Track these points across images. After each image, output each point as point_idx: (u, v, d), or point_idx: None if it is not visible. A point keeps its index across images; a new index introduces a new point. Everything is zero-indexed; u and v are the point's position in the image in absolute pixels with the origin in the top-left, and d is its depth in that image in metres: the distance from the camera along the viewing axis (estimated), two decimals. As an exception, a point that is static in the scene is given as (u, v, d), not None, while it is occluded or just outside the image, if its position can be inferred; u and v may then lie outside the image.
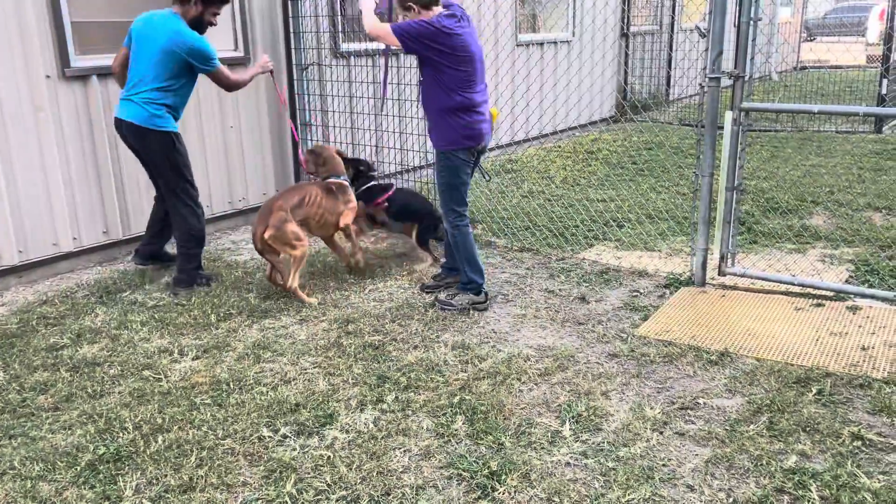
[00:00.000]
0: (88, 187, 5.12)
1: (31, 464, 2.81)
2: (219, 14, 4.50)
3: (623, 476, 2.70)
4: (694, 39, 12.84)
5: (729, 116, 4.35)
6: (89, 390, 3.39)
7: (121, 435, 2.99)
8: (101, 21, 5.18)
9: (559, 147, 9.33)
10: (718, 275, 4.62)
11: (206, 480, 2.69)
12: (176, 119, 4.50)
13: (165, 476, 2.72)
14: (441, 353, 3.75)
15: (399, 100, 6.89)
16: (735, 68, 4.26)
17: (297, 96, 6.37)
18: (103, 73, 5.03)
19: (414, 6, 3.97)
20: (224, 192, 6.08)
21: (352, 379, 3.49)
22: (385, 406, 3.24)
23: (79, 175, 5.05)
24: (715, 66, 4.27)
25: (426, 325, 4.10)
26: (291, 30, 6.24)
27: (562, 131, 10.01)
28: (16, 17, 4.60)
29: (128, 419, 3.11)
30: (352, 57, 6.76)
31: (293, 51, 6.28)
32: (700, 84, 4.46)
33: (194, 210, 4.63)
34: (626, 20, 11.16)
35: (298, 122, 6.43)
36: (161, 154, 4.46)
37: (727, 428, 3.01)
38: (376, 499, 2.60)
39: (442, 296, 4.41)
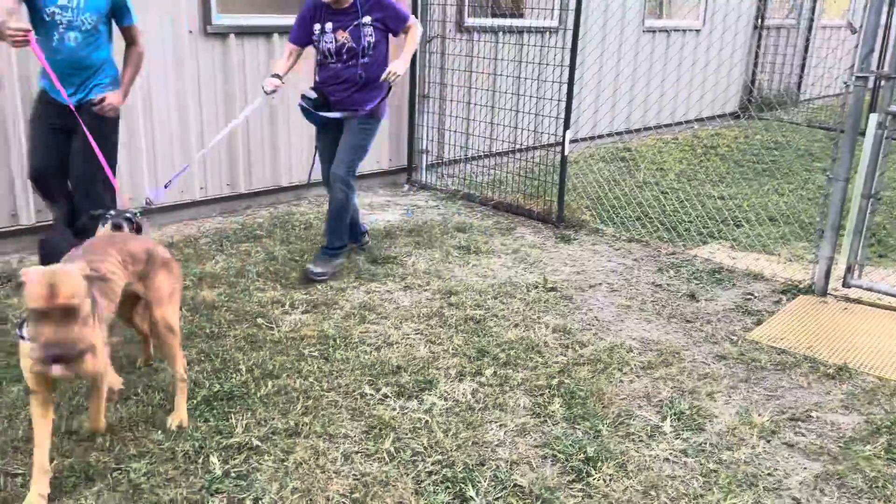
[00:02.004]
0: (218, 142, 5.37)
1: (152, 392, 3.02)
2: None
3: (725, 479, 2.62)
4: (836, 37, 12.05)
5: (874, 120, 4.07)
6: (207, 331, 3.59)
7: (234, 376, 3.16)
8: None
9: (676, 139, 9.03)
10: (842, 286, 4.36)
11: (310, 428, 2.81)
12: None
13: (273, 419, 2.86)
14: (541, 334, 3.74)
15: (519, 77, 6.86)
16: (884, 68, 3.98)
17: (418, 68, 6.43)
18: (240, 31, 5.25)
19: None
20: (340, 157, 6.24)
21: (452, 349, 3.54)
22: (483, 379, 3.27)
23: (210, 129, 5.31)
24: (864, 64, 4.00)
25: (527, 305, 4.09)
26: (420, 1, 6.29)
27: (680, 123, 9.67)
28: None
29: (241, 362, 3.28)
30: (475, 32, 6.76)
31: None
32: (845, 83, 4.19)
33: None
34: (761, 13, 10.60)
35: (418, 93, 6.50)
36: None
37: (841, 445, 2.85)
38: (471, 467, 2.63)
39: (314, 269, 4.26)
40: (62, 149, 3.74)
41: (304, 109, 4.28)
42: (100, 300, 2.34)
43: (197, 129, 5.25)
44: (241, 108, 5.39)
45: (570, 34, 5.38)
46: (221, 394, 3.02)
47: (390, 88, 4.33)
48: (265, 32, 5.43)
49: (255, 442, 2.70)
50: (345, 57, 4.14)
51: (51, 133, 3.73)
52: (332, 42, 4.12)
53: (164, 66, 4.98)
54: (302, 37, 4.21)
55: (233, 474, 2.52)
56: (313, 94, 4.24)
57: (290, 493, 2.44)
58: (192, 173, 5.28)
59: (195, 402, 2.94)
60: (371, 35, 4.14)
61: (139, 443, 2.67)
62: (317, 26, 4.13)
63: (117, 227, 3.12)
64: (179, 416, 2.77)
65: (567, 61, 5.44)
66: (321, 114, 4.24)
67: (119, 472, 2.50)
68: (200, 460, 2.57)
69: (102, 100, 3.70)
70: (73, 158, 3.73)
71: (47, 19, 3.53)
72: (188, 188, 5.30)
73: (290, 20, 4.57)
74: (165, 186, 4.05)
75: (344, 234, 4.44)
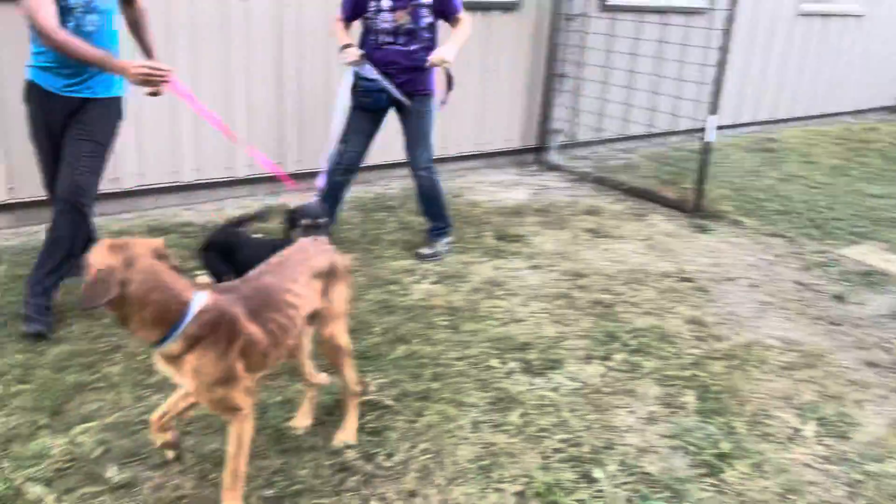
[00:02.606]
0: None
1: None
2: None
3: (871, 492, 2.46)
4: None
5: None
6: (343, 293, 3.74)
7: (368, 337, 3.28)
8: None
9: (826, 131, 8.43)
10: None
11: (439, 394, 2.87)
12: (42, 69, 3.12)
13: (404, 381, 2.94)
14: (674, 324, 3.63)
15: (658, 59, 6.61)
16: None
17: (557, 46, 6.34)
18: None
19: None
20: (471, 135, 6.28)
21: (580, 331, 3.50)
22: (612, 364, 3.21)
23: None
24: None
25: (660, 294, 3.98)
26: (565, -22, 6.19)
27: (832, 115, 9.02)
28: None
29: (375, 324, 3.39)
30: (617, 12, 6.57)
31: (562, 0, 6.23)
32: None
33: None
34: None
35: (553, 72, 6.41)
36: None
37: None
38: (598, 449, 2.61)
39: (425, 251, 4.25)
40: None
41: (361, 88, 4.02)
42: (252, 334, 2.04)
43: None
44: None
45: (719, 15, 5.12)
46: (356, 353, 3.12)
47: (451, 78, 4.10)
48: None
49: (388, 402, 2.80)
50: (402, 39, 3.93)
51: (54, 140, 3.19)
52: (389, 22, 3.88)
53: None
54: (354, 11, 3.96)
55: (367, 429, 2.62)
56: (373, 74, 3.96)
57: (420, 454, 2.51)
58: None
59: (332, 358, 3.07)
60: (428, 16, 3.95)
61: (281, 390, 2.83)
62: (372, 4, 3.88)
63: (310, 230, 3.11)
64: (347, 433, 2.54)
65: (717, 43, 5.19)
66: (394, 93, 3.99)
67: (261, 419, 2.65)
68: (337, 413, 2.69)
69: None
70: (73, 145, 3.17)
71: (62, 3, 2.94)
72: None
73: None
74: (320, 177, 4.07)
75: (443, 211, 4.36)
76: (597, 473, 2.47)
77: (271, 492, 2.29)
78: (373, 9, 3.90)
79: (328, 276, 2.35)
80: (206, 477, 2.34)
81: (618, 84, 6.53)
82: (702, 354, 3.33)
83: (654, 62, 6.62)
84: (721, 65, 5.11)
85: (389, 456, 2.50)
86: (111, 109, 3.27)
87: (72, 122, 3.17)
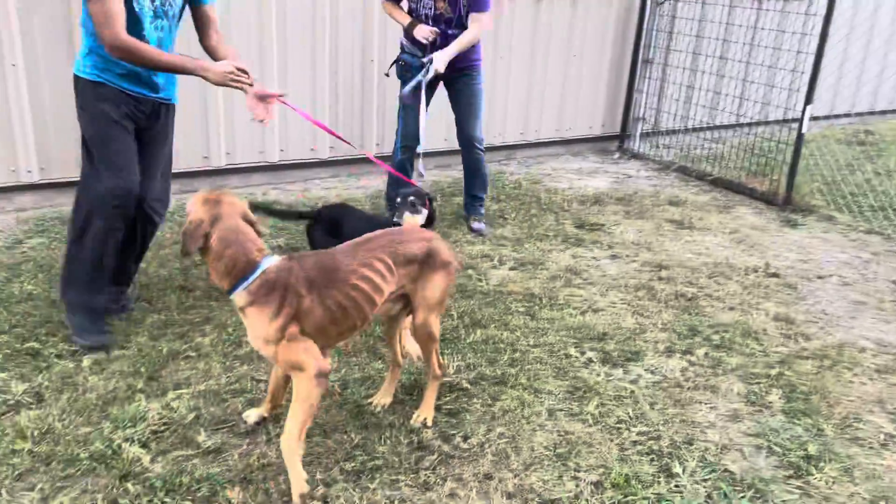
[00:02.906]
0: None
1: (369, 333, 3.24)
2: None
3: (973, 507, 2.33)
4: None
5: None
6: (422, 275, 3.78)
7: (446, 320, 3.31)
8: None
9: (932, 125, 7.95)
10: None
11: (516, 379, 2.87)
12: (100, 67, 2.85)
13: (481, 365, 2.96)
14: (760, 320, 3.51)
15: (749, 44, 6.36)
16: None
17: (644, 31, 6.18)
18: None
19: None
20: (553, 121, 6.21)
21: (661, 323, 3.43)
22: (694, 359, 3.14)
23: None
24: None
25: (745, 289, 3.85)
26: (654, -39, 6.02)
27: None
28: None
29: (452, 308, 3.42)
30: (710, -5, 6.35)
31: (651, -16, 6.07)
32: None
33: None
34: None
35: (640, 57, 6.26)
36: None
37: None
38: (678, 444, 2.56)
39: (474, 225, 4.45)
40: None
41: (412, 66, 4.11)
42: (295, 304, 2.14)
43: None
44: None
45: (818, 0, 4.88)
46: (434, 335, 3.17)
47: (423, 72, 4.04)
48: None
49: (465, 384, 2.82)
50: (442, 25, 4.09)
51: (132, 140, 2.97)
52: (430, 9, 4.09)
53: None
54: None
55: (444, 410, 2.66)
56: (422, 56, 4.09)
57: (496, 437, 2.53)
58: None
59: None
60: (466, 4, 4.07)
61: (363, 368, 2.89)
62: None
63: (415, 209, 3.27)
64: (426, 412, 2.58)
65: (816, 30, 4.96)
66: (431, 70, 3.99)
67: (341, 395, 2.72)
68: (415, 393, 2.73)
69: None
70: (151, 149, 3.07)
71: (137, 9, 2.78)
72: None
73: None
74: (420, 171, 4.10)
75: (488, 186, 4.64)
76: (676, 468, 2.43)
77: (351, 465, 2.35)
78: None
79: (422, 263, 2.39)
80: (289, 447, 2.42)
81: (707, 70, 6.32)
82: (789, 353, 3.22)
83: (746, 48, 6.37)
84: (819, 53, 4.88)
85: (466, 438, 2.52)
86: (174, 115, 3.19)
87: (153, 126, 3.03)
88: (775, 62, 6.08)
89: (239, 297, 2.15)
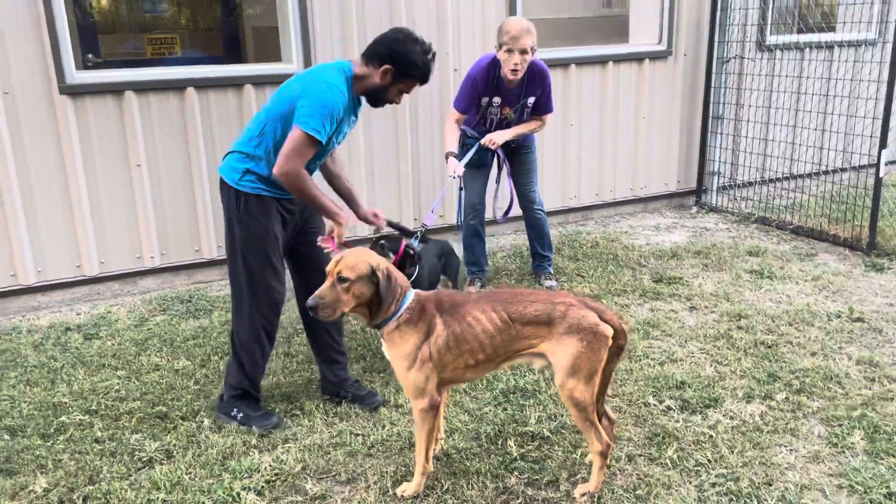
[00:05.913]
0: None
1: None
2: (407, 93, 3.09)
3: None
4: None
5: None
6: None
7: (528, 373, 3.50)
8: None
9: None
10: None
11: (596, 428, 3.02)
12: (260, 181, 3.00)
13: (562, 415, 3.13)
14: (843, 364, 3.53)
15: (824, 95, 6.40)
16: None
17: (712, 89, 6.35)
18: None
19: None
20: (628, 181, 6.40)
21: (740, 371, 3.51)
22: (773, 403, 3.20)
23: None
24: None
25: (827, 334, 3.87)
26: (718, 22, 6.22)
27: None
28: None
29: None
30: (777, 50, 6.47)
31: (716, 44, 6.26)
32: None
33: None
34: None
35: (711, 114, 6.41)
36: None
37: None
38: (757, 485, 2.63)
39: (546, 283, 4.77)
40: None
41: (474, 146, 4.47)
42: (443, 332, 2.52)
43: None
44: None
45: (889, 47, 4.94)
46: (517, 388, 3.37)
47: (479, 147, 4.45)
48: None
49: (546, 433, 2.99)
50: (504, 124, 4.51)
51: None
52: (497, 115, 4.47)
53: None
54: (469, 108, 4.44)
55: (528, 458, 2.83)
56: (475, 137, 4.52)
57: (580, 481, 2.68)
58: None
59: (493, 393, 3.33)
60: (529, 109, 4.48)
61: (450, 421, 3.12)
62: (485, 99, 4.41)
63: (384, 252, 3.45)
64: (589, 486, 2.60)
65: (884, 76, 5.01)
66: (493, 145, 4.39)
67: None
68: (499, 442, 2.93)
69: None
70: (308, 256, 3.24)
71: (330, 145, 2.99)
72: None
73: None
74: (432, 211, 4.46)
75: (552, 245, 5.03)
76: (755, 507, 2.51)
77: (442, 509, 2.55)
78: (485, 102, 4.45)
79: (548, 325, 2.49)
80: (386, 492, 2.65)
81: (781, 123, 6.40)
82: (873, 395, 3.22)
83: (821, 98, 6.41)
84: (889, 97, 4.91)
85: (550, 483, 2.68)
86: None
87: (304, 227, 3.21)
88: (852, 111, 6.10)
89: (389, 325, 2.54)
